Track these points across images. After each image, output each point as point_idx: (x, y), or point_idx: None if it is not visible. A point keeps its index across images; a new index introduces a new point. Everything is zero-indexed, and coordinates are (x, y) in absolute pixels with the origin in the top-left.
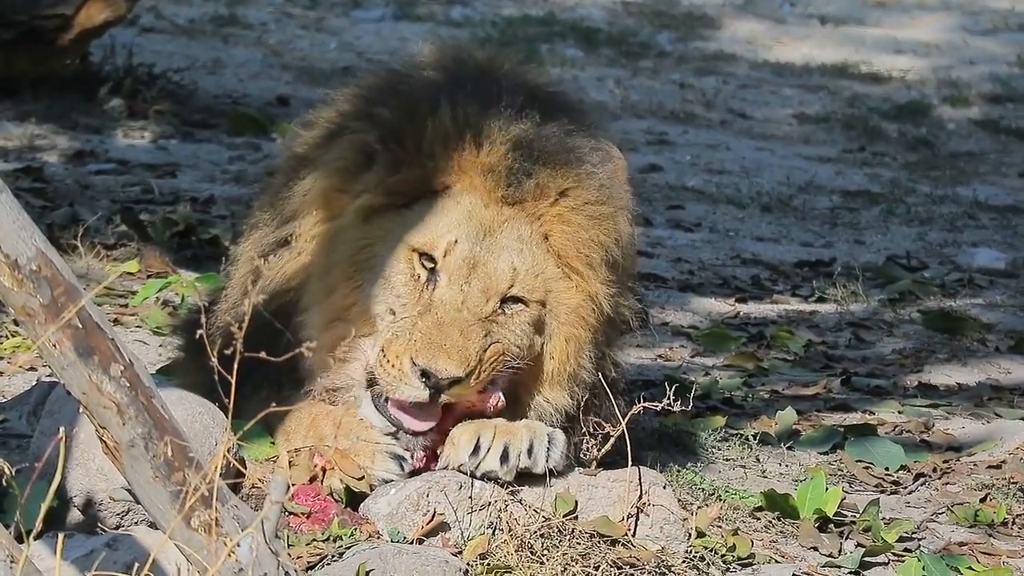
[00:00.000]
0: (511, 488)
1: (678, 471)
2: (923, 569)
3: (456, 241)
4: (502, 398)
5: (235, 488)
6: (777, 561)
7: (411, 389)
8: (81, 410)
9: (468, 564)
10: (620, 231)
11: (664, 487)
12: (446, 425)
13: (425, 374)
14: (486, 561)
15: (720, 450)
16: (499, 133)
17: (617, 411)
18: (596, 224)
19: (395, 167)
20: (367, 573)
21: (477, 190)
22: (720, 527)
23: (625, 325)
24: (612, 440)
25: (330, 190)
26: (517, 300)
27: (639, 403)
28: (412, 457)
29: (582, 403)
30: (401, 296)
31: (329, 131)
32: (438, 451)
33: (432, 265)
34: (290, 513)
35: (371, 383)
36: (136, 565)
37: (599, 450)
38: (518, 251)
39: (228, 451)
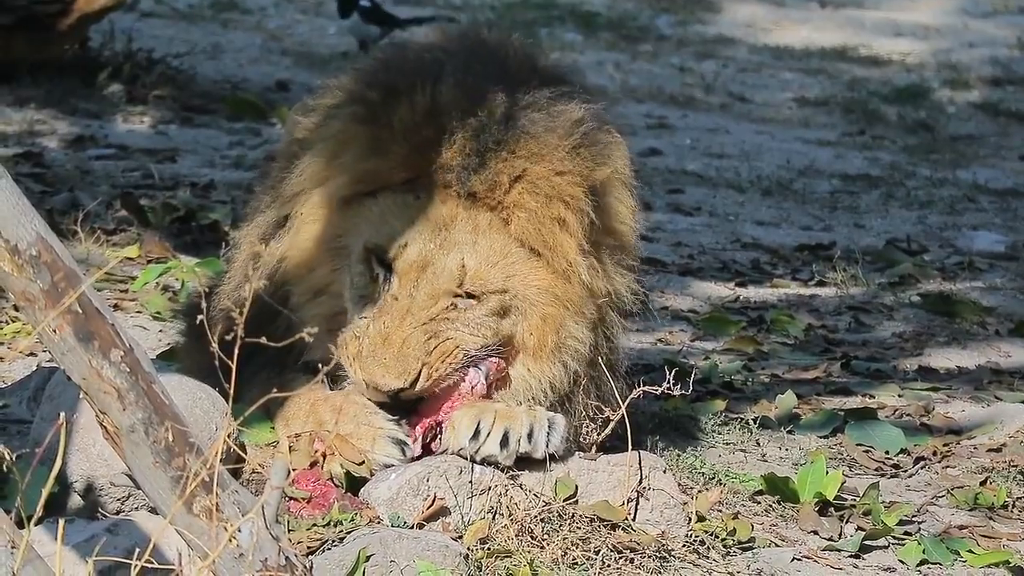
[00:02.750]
0: (511, 473)
1: (678, 455)
2: (923, 552)
3: (406, 244)
4: (483, 380)
5: (235, 473)
6: (777, 545)
7: (369, 391)
8: (81, 395)
9: (468, 549)
10: (598, 186)
11: (664, 471)
12: (432, 412)
13: (369, 385)
14: (486, 546)
15: (720, 434)
16: (458, 125)
17: (617, 395)
18: (558, 198)
19: (366, 154)
20: (367, 558)
21: (435, 186)
22: (720, 511)
23: (622, 302)
24: (612, 424)
25: (321, 171)
26: (469, 295)
27: (639, 387)
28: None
29: (580, 378)
30: (363, 296)
31: (327, 115)
32: (421, 434)
33: (386, 266)
34: (290, 498)
35: None
36: (137, 550)
37: (599, 434)
38: (471, 245)
39: (229, 436)
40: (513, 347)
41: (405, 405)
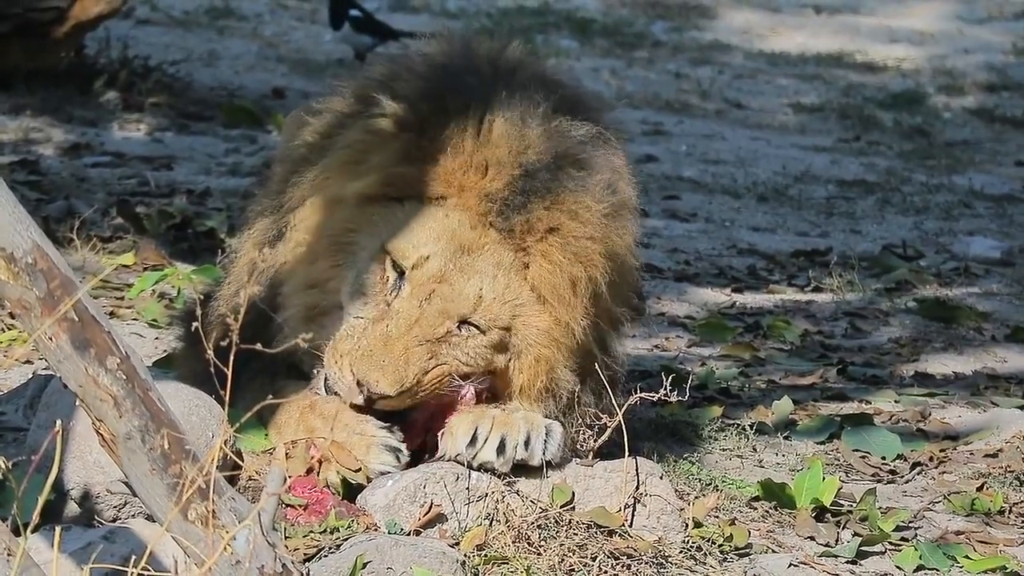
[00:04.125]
0: (508, 479)
1: (675, 461)
2: (920, 558)
3: (428, 257)
4: (472, 391)
5: (232, 480)
6: (774, 551)
7: (348, 391)
8: (78, 403)
9: (465, 555)
10: (614, 261)
11: (661, 477)
12: (423, 425)
13: (360, 384)
14: (483, 552)
15: (717, 440)
16: (510, 158)
17: (614, 402)
18: (581, 260)
19: (402, 159)
20: (364, 565)
21: (469, 211)
22: (717, 517)
23: (621, 325)
24: (609, 431)
25: (336, 177)
26: (475, 326)
27: (636, 394)
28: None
29: (561, 414)
30: (366, 294)
31: (338, 120)
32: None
33: (400, 272)
34: (287, 505)
35: None
36: (133, 558)
37: (596, 441)
38: (491, 277)
39: (225, 443)
40: (502, 381)
41: (377, 412)
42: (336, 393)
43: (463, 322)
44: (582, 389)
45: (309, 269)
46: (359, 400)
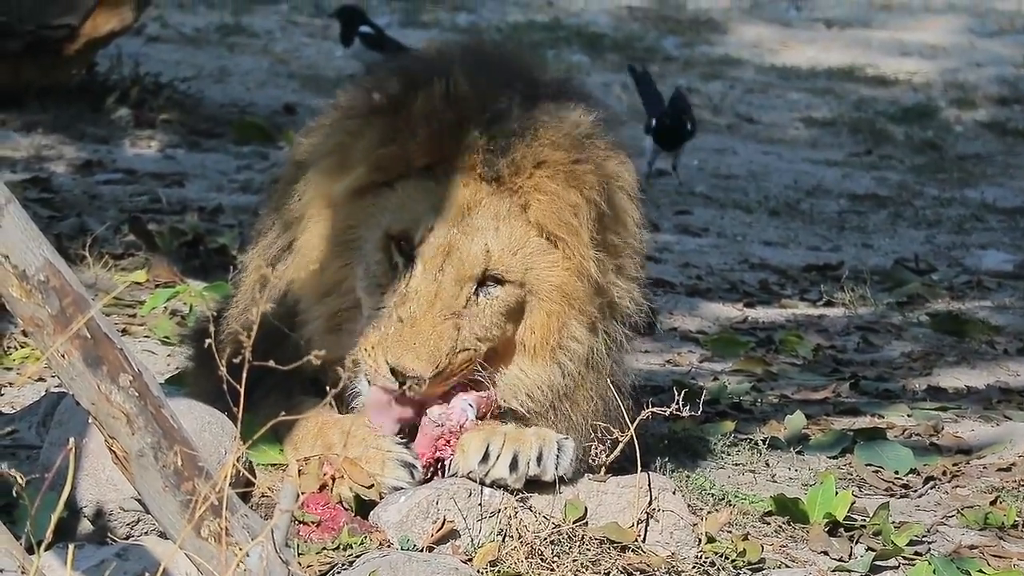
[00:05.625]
0: (521, 495)
1: (687, 476)
2: (933, 572)
3: (431, 228)
4: (471, 417)
5: (245, 497)
6: (787, 566)
7: (385, 380)
8: (90, 420)
9: (478, 571)
10: (608, 179)
11: (674, 492)
12: (425, 446)
13: (395, 371)
14: (496, 568)
15: (729, 455)
16: (478, 106)
17: (626, 416)
18: (576, 183)
19: (383, 140)
20: None
21: (457, 170)
22: (730, 532)
23: (624, 311)
24: (621, 446)
25: (325, 180)
26: (494, 281)
27: (648, 408)
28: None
29: (581, 380)
30: (381, 285)
31: (328, 133)
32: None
33: (408, 253)
34: (300, 522)
35: None
36: (147, 575)
37: (608, 456)
38: (494, 230)
39: (237, 460)
40: (511, 345)
41: (409, 400)
42: (378, 384)
43: (481, 284)
44: (592, 362)
45: (321, 278)
46: (394, 386)
